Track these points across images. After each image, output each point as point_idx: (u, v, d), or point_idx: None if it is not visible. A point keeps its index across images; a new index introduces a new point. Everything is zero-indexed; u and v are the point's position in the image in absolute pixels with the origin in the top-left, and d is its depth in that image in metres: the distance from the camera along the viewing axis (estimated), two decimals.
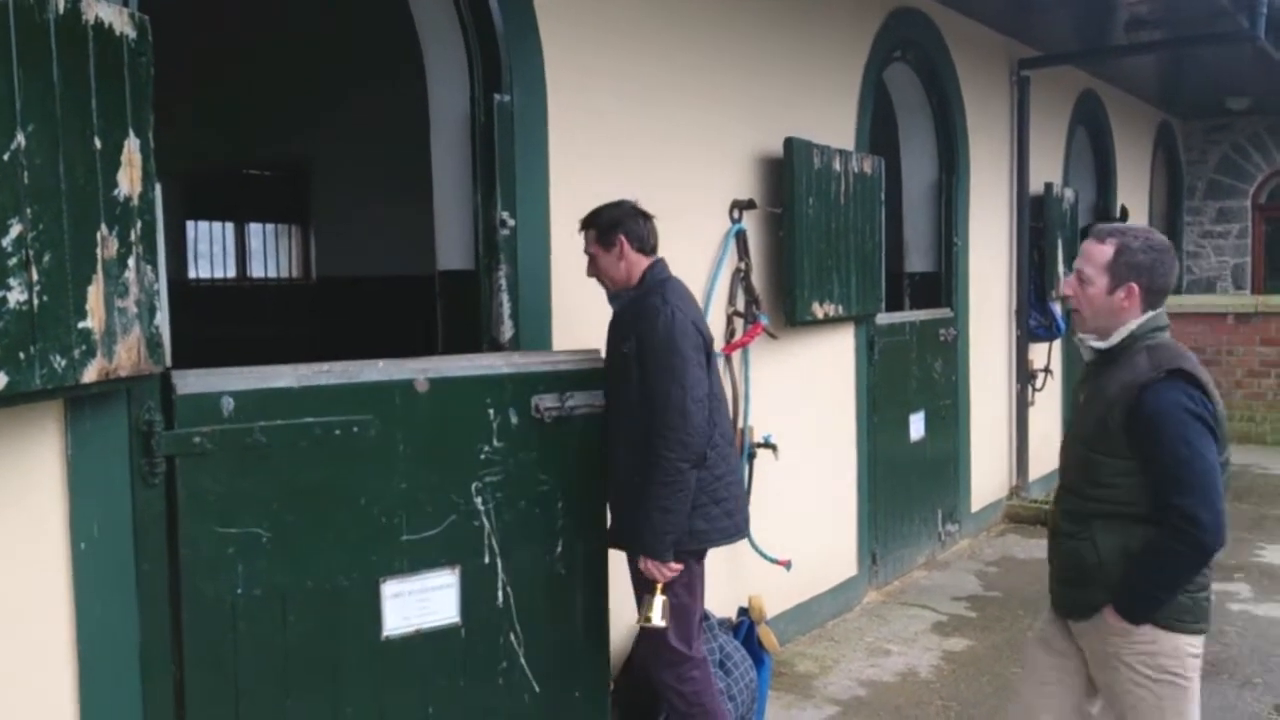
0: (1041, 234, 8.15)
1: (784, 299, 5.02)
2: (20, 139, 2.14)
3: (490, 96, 3.61)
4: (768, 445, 4.92)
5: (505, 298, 3.67)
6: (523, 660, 3.27)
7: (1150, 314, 2.74)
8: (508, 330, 3.68)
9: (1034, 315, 8.31)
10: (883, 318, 6.24)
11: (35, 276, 2.17)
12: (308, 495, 2.82)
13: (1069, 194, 8.64)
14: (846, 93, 5.79)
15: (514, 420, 3.17)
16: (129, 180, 2.43)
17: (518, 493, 3.22)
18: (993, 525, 7.88)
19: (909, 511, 6.67)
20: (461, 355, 3.20)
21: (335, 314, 7.67)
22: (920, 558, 6.84)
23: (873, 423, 6.17)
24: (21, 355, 2.14)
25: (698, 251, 4.64)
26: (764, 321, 4.77)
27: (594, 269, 3.47)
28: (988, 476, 7.80)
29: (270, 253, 8.98)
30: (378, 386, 2.86)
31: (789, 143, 4.93)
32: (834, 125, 5.64)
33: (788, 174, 4.93)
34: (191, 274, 9.37)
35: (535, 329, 3.76)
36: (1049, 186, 8.12)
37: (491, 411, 3.12)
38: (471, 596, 3.17)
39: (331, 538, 2.87)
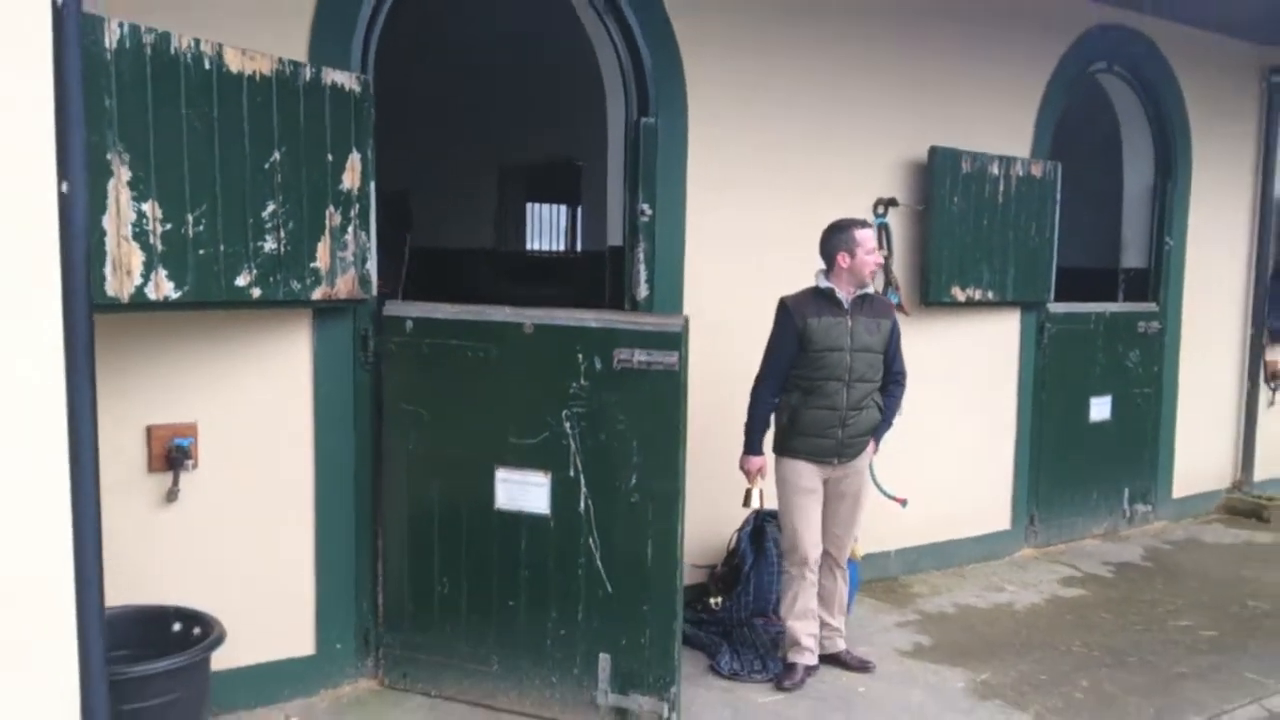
0: None
1: (920, 283, 5.55)
2: (276, 155, 3.46)
3: (640, 120, 4.59)
4: None
5: (642, 267, 4.65)
6: (599, 562, 3.80)
7: None
8: (643, 291, 4.67)
9: (1277, 317, 7.87)
10: (1059, 306, 6.45)
11: (283, 235, 3.50)
12: (452, 393, 3.95)
13: None
14: (1024, 105, 6.08)
15: (598, 366, 3.71)
16: (351, 179, 3.72)
17: (598, 426, 3.75)
18: (1202, 514, 7.66)
19: (1083, 484, 6.79)
20: (565, 309, 3.84)
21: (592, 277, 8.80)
22: (1097, 528, 6.93)
23: (1039, 400, 6.42)
24: (270, 280, 3.47)
25: None
26: (893, 300, 5.34)
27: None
28: (1198, 466, 7.59)
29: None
30: (499, 325, 3.87)
31: (933, 150, 5.45)
32: (1006, 134, 5.98)
33: (930, 177, 5.45)
34: (530, 246, 10.96)
35: (667, 291, 4.72)
36: None
37: (580, 356, 3.73)
38: (559, 498, 3.80)
39: (465, 425, 3.95)
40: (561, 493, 3.83)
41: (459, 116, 9.11)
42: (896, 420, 4.50)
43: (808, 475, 4.30)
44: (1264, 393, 7.93)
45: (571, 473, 3.81)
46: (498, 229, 10.04)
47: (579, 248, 10.04)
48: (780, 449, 4.37)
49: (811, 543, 4.33)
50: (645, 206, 4.62)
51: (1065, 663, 4.70)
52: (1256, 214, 7.66)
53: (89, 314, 2.71)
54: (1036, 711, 4.17)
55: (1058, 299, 6.48)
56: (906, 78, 5.56)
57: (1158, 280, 7.17)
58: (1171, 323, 7.21)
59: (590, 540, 3.81)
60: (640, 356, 3.71)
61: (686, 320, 3.71)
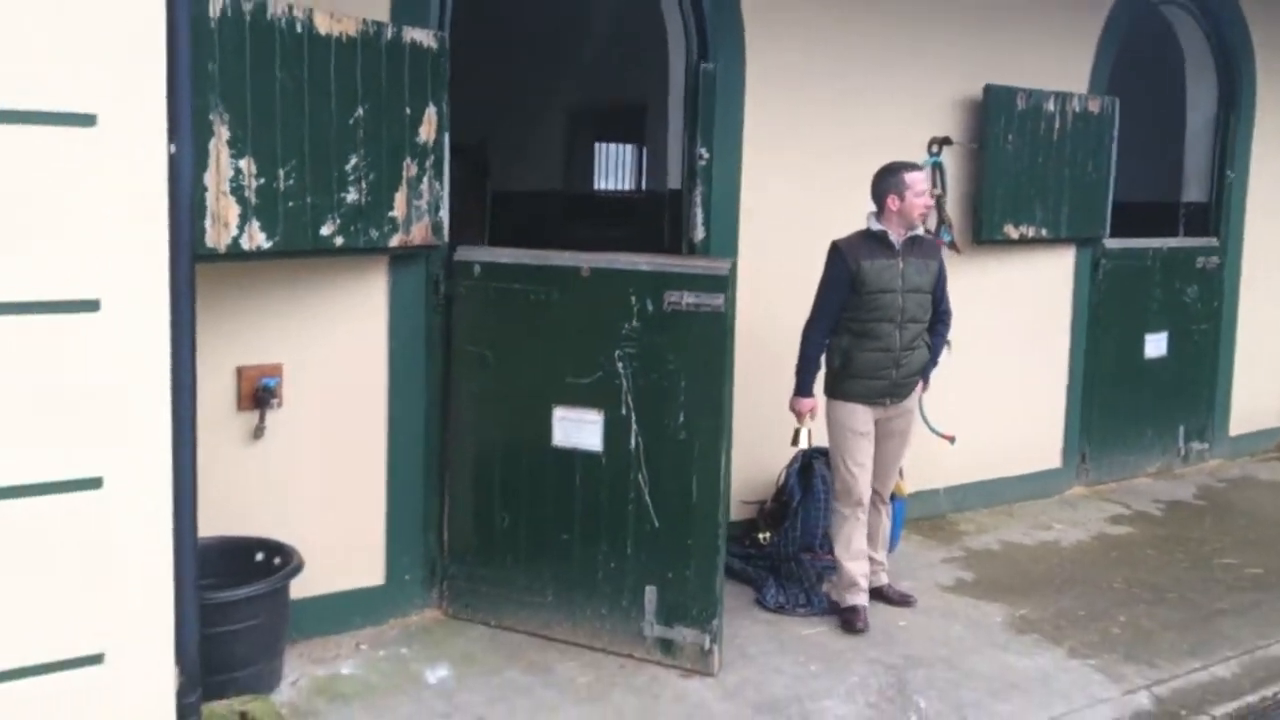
0: None
1: (973, 221, 5.65)
2: (360, 110, 3.68)
3: (699, 65, 4.72)
4: None
5: (699, 210, 4.83)
6: (647, 497, 4.00)
7: None
8: (700, 234, 4.85)
9: None
10: (1114, 242, 6.49)
11: (364, 187, 3.73)
12: (515, 334, 4.18)
13: None
14: (1083, 40, 6.08)
15: (649, 308, 3.91)
16: (427, 132, 3.93)
17: (650, 366, 3.94)
18: (1260, 452, 7.72)
19: (1137, 422, 6.89)
20: (621, 254, 4.04)
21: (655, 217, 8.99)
22: (1150, 466, 7.04)
23: (1093, 336, 6.51)
24: (352, 228, 3.72)
25: None
26: (945, 239, 5.46)
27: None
28: (1257, 403, 7.62)
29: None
30: (557, 269, 4.09)
31: (987, 89, 5.51)
32: (1063, 69, 6.00)
33: (984, 115, 5.51)
34: (599, 186, 11.15)
35: (724, 234, 4.90)
36: None
37: (633, 298, 3.92)
38: (611, 436, 4.01)
39: (526, 366, 4.17)
40: (613, 430, 4.05)
41: (529, 63, 9.25)
42: (943, 358, 4.66)
43: (862, 417, 4.44)
44: None
45: (623, 411, 4.03)
46: (566, 171, 10.23)
47: (644, 188, 10.20)
48: (832, 391, 4.51)
49: (866, 484, 4.49)
50: (703, 150, 4.78)
51: (1105, 599, 4.89)
52: None
53: (192, 264, 2.98)
54: (1071, 646, 4.37)
55: (1117, 234, 6.53)
56: (964, 15, 5.59)
57: (1218, 215, 7.16)
58: (1232, 258, 7.21)
59: (640, 476, 4.02)
60: (689, 299, 3.88)
61: (733, 264, 3.88)
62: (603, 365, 4.05)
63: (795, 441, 4.59)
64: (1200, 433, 7.27)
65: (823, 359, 4.51)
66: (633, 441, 4.03)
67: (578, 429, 4.13)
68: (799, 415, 4.54)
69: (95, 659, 2.77)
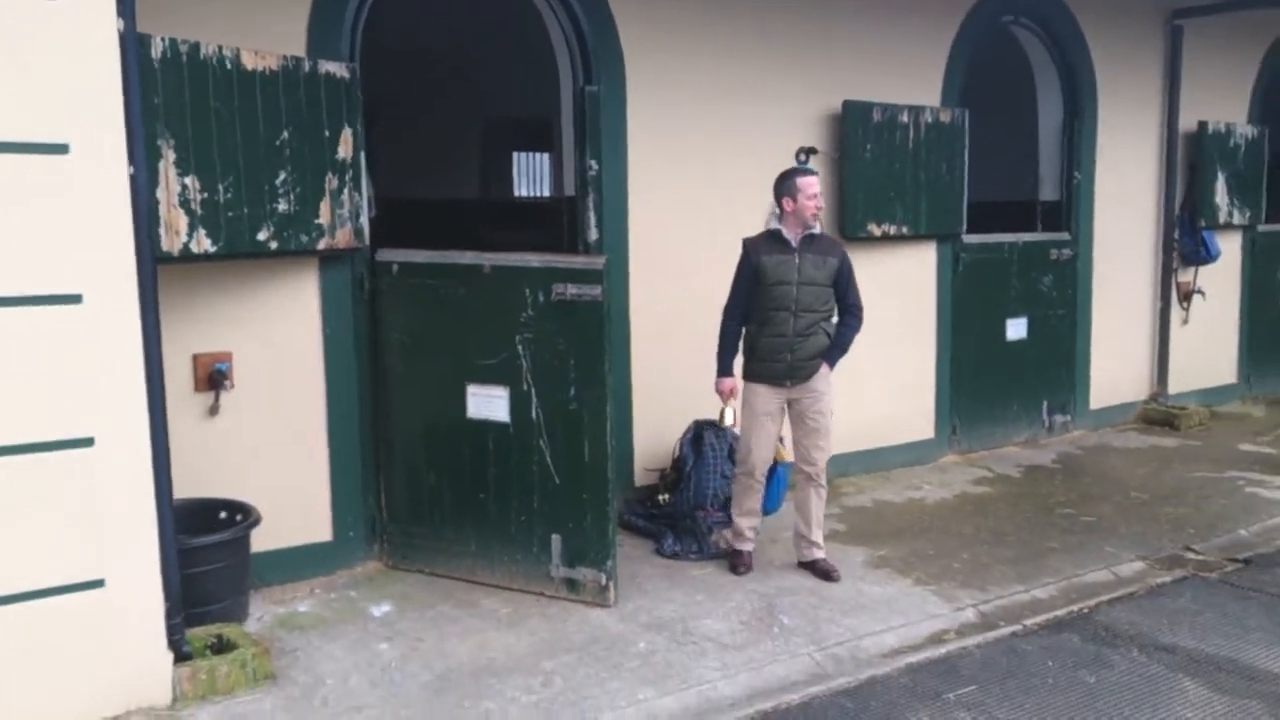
0: (1195, 169, 8.71)
1: (840, 221, 6.55)
2: (285, 133, 4.42)
3: (584, 88, 5.54)
4: None
5: (592, 214, 5.65)
6: (549, 459, 4.70)
7: None
8: (593, 235, 5.67)
9: (1186, 241, 8.89)
10: (972, 237, 7.46)
11: (292, 198, 4.47)
12: (431, 323, 4.93)
13: (1246, 131, 8.99)
14: (934, 56, 7.04)
15: (541, 299, 4.60)
16: (345, 150, 4.68)
17: (544, 348, 4.63)
18: (1121, 424, 8.74)
19: (1003, 397, 7.86)
20: (516, 253, 4.77)
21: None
22: (1018, 437, 8.01)
23: (957, 321, 7.45)
24: (284, 234, 4.46)
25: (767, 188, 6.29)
26: None
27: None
28: (1115, 380, 8.64)
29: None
30: (464, 266, 4.84)
31: (845, 104, 6.42)
32: (917, 83, 6.95)
33: (844, 127, 6.42)
34: (518, 192, 11.97)
35: (615, 234, 5.72)
36: (1203, 125, 8.62)
37: (528, 291, 4.62)
38: (516, 408, 4.73)
39: (442, 350, 4.92)
40: (518, 404, 4.79)
41: (446, 83, 10.04)
42: (854, 352, 5.23)
43: (764, 397, 5.12)
44: (1176, 311, 9.00)
45: (525, 387, 4.77)
46: (483, 179, 11.02)
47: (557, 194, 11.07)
48: (744, 374, 5.12)
49: (760, 459, 5.16)
50: (593, 162, 5.59)
51: (953, 542, 5.78)
52: (1163, 148, 8.65)
53: (154, 265, 3.72)
54: (917, 577, 5.24)
55: (980, 230, 7.50)
56: (827, 37, 6.50)
57: (1069, 211, 8.17)
58: (1084, 249, 8.23)
59: (541, 441, 4.76)
60: (572, 290, 4.61)
61: (606, 260, 4.63)
62: (506, 348, 4.80)
63: (721, 420, 5.20)
64: (1063, 407, 8.26)
65: (740, 344, 5.14)
66: (534, 413, 4.79)
67: (488, 403, 4.89)
68: (722, 395, 5.12)
69: (99, 583, 3.51)
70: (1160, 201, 8.76)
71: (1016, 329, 7.91)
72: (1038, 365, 8.06)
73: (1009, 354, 7.88)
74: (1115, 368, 8.64)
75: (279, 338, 4.78)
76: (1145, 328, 8.89)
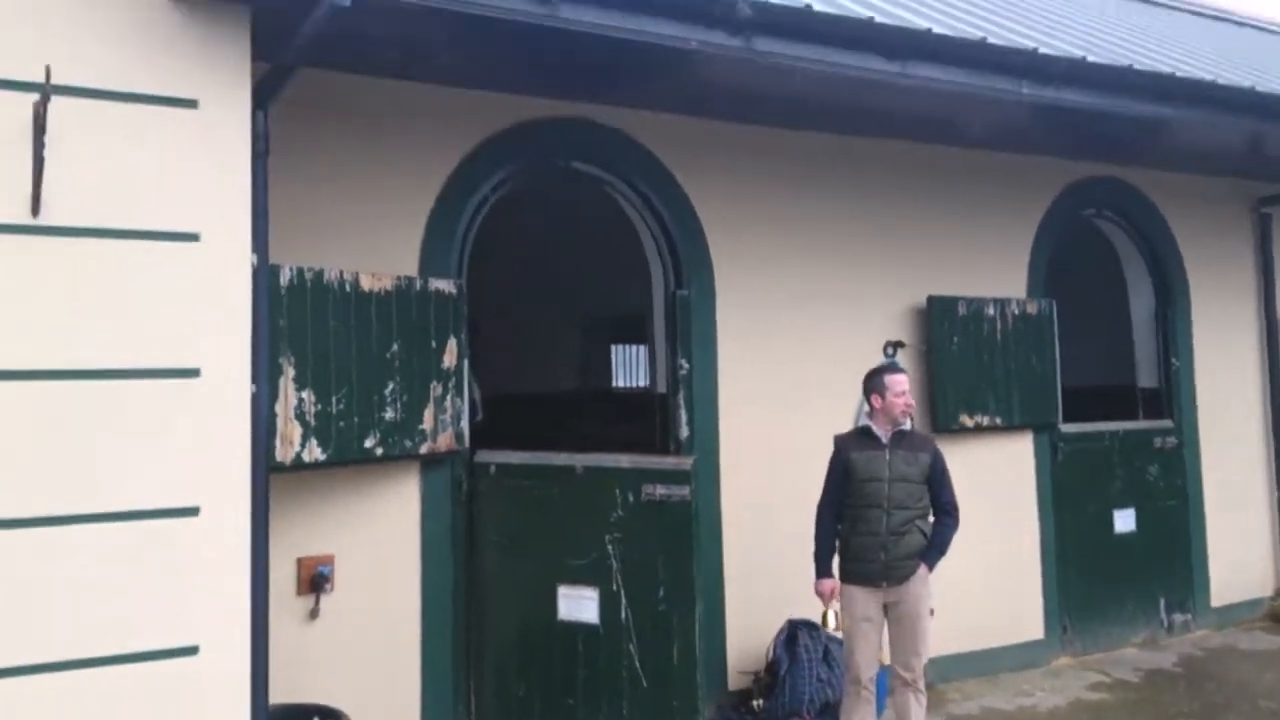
0: None
1: (932, 413, 6.58)
2: (395, 346, 4.73)
3: (675, 292, 5.81)
4: None
5: (683, 412, 5.80)
6: (637, 663, 4.78)
7: None
8: (684, 432, 5.80)
9: None
10: (1070, 426, 7.38)
11: (399, 406, 4.73)
12: (524, 524, 5.07)
13: None
14: (1016, 253, 7.20)
15: (631, 499, 4.81)
16: (450, 359, 4.97)
17: (633, 548, 4.79)
18: (1247, 621, 8.26)
19: (1115, 594, 7.54)
20: (609, 453, 5.02)
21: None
22: (1135, 637, 7.62)
23: (1060, 514, 7.28)
24: (390, 440, 4.70)
25: (857, 381, 6.40)
26: None
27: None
28: (1237, 575, 8.23)
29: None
30: (557, 468, 5.03)
31: (930, 299, 6.57)
32: (1002, 278, 7.09)
33: (929, 321, 6.55)
34: (616, 383, 12.40)
35: (705, 431, 5.84)
36: None
37: (618, 491, 4.83)
38: (606, 610, 4.83)
39: (534, 550, 5.05)
40: (607, 605, 4.85)
41: (548, 288, 10.68)
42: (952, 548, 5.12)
43: (861, 600, 4.95)
44: None
45: (614, 587, 4.85)
46: (581, 371, 11.48)
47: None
48: (840, 575, 5.01)
49: (863, 665, 4.92)
50: (683, 362, 5.80)
51: None
52: (1263, 334, 8.55)
53: (266, 476, 3.93)
54: None
55: (1079, 417, 7.42)
56: (911, 235, 6.74)
57: (1170, 398, 8.05)
58: (1189, 437, 8.04)
59: (630, 645, 4.80)
60: (661, 490, 4.78)
61: (695, 460, 4.81)
62: (596, 548, 4.90)
63: (823, 624, 5.15)
64: (1181, 604, 7.88)
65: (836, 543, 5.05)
66: (623, 614, 4.83)
67: (578, 605, 4.94)
68: (823, 598, 5.02)
69: None
70: (1265, 389, 8.58)
71: (1125, 521, 7.67)
72: (1150, 559, 7.76)
73: (1119, 547, 7.61)
74: (1236, 562, 8.25)
75: (379, 540, 4.96)
76: (1264, 519, 8.53)
